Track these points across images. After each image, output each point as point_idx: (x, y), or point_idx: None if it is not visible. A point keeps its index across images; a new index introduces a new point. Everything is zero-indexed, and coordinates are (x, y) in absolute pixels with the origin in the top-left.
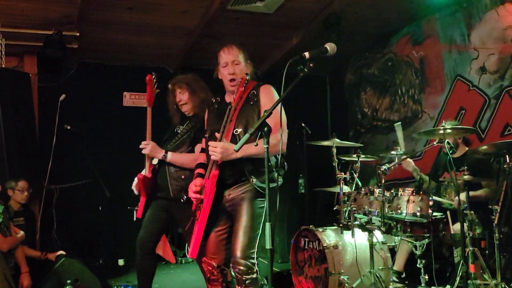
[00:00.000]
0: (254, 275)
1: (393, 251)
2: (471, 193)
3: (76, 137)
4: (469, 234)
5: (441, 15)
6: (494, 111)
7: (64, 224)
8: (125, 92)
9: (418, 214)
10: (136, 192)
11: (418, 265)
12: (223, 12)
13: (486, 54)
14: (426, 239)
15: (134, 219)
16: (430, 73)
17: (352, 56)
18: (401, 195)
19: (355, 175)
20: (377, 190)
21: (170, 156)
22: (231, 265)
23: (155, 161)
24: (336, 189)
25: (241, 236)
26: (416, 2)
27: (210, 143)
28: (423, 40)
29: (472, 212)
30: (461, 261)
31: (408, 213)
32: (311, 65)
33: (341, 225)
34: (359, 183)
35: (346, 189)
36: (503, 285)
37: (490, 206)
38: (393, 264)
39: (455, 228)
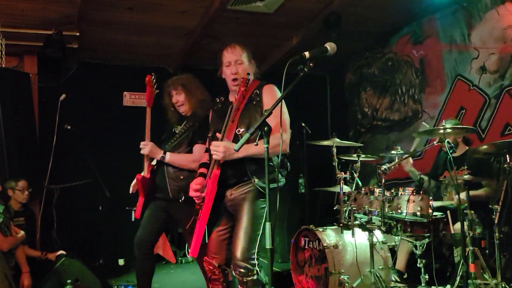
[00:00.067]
0: (255, 277)
1: (393, 251)
2: (472, 192)
3: (76, 137)
4: (469, 233)
5: (441, 14)
6: (494, 111)
7: (64, 224)
8: (125, 92)
9: (418, 213)
10: (131, 190)
11: (418, 265)
12: (223, 12)
13: (486, 54)
14: (426, 239)
15: (132, 220)
16: (430, 72)
17: (352, 55)
18: (401, 194)
19: (355, 175)
20: (377, 190)
21: (169, 157)
22: (232, 266)
23: (154, 162)
24: (336, 189)
25: (242, 237)
26: (416, 2)
27: (213, 143)
28: (423, 39)
29: (472, 211)
30: (461, 261)
31: (408, 213)
32: (311, 64)
33: (341, 224)
34: (359, 183)
35: (346, 188)
36: (503, 285)
37: (491, 206)
38: (395, 264)
39: (456, 227)
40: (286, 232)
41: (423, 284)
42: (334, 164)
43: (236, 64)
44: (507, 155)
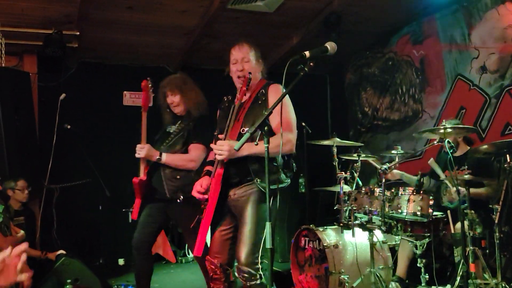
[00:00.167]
0: (258, 281)
1: (393, 251)
2: (473, 190)
3: (76, 137)
4: (469, 233)
5: (441, 14)
6: (495, 111)
7: (64, 223)
8: (125, 92)
9: (418, 213)
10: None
11: (418, 265)
12: (223, 11)
13: (486, 54)
14: (427, 239)
15: (130, 221)
16: (431, 72)
17: (353, 55)
18: (401, 194)
19: (355, 175)
20: (377, 190)
21: (165, 158)
22: (235, 269)
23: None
24: (336, 189)
25: (246, 241)
26: (416, 2)
27: (217, 142)
28: (423, 39)
29: (473, 211)
30: (462, 261)
31: (408, 213)
32: (311, 64)
33: (341, 224)
34: (360, 183)
35: (346, 188)
36: (503, 285)
37: (491, 205)
38: (395, 271)
39: (456, 227)
40: (286, 232)
41: (423, 284)
42: (334, 163)
43: (242, 61)
44: (508, 155)
